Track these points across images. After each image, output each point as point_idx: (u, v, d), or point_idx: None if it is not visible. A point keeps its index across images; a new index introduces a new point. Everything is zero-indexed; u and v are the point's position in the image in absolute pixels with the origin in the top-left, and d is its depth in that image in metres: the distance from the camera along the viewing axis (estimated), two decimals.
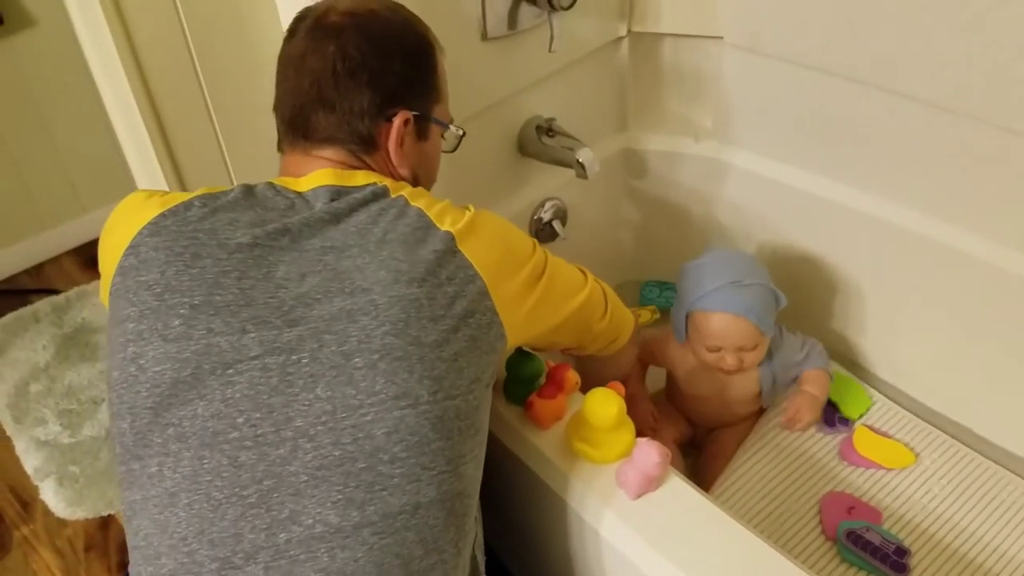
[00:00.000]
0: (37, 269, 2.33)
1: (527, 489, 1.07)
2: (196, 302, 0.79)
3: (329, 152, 0.92)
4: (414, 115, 0.94)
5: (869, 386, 1.53)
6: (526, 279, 0.91)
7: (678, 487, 0.96)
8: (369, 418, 0.78)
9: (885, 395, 1.51)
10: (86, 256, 2.35)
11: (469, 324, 0.84)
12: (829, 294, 1.57)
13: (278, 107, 0.95)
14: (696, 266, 1.35)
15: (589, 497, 0.97)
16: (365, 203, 0.88)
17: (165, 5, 1.09)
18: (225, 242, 0.82)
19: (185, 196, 0.87)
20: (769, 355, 1.37)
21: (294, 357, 0.78)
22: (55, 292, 2.18)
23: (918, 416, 1.47)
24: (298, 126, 0.93)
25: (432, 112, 0.98)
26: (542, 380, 1.07)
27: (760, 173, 1.56)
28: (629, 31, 1.56)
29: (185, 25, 1.11)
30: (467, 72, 1.31)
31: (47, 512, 1.64)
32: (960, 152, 1.27)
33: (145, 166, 1.20)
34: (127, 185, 1.09)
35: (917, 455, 1.40)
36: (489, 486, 1.10)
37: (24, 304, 2.14)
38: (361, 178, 0.91)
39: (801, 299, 1.59)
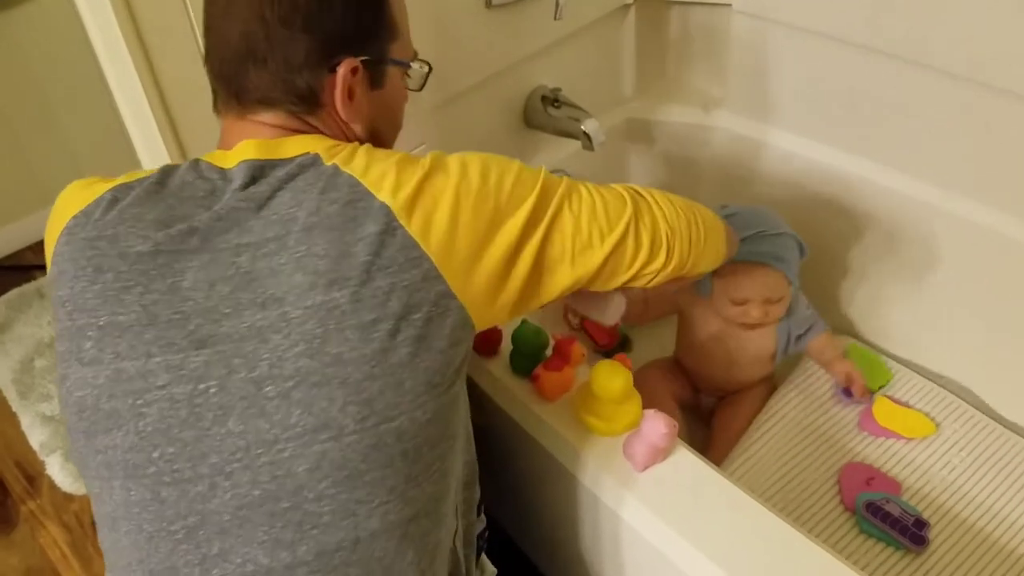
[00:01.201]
0: (40, 245, 2.31)
1: (534, 462, 1.06)
2: (102, 323, 0.71)
3: (266, 116, 0.80)
4: (363, 61, 0.80)
5: (889, 359, 1.51)
6: (519, 232, 0.77)
7: (685, 459, 0.95)
8: (287, 454, 0.69)
9: (905, 367, 1.49)
10: None
11: (413, 322, 0.72)
12: (843, 268, 1.55)
13: (207, 61, 0.82)
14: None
15: (596, 469, 0.96)
16: (290, 179, 0.74)
17: None
18: (126, 251, 0.72)
19: (108, 186, 0.77)
20: (788, 310, 1.36)
21: (201, 386, 0.70)
22: None
23: (939, 385, 1.45)
24: (229, 84, 0.80)
25: (388, 52, 0.83)
26: (548, 352, 1.06)
27: (771, 143, 1.54)
28: None
29: None
30: (471, 40, 1.29)
31: (53, 487, 1.64)
32: (978, 123, 1.24)
33: (148, 141, 1.18)
34: (130, 159, 1.08)
35: (938, 425, 1.38)
36: (495, 459, 1.09)
37: (28, 280, 2.13)
38: (292, 147, 0.78)
39: (815, 273, 1.58)
